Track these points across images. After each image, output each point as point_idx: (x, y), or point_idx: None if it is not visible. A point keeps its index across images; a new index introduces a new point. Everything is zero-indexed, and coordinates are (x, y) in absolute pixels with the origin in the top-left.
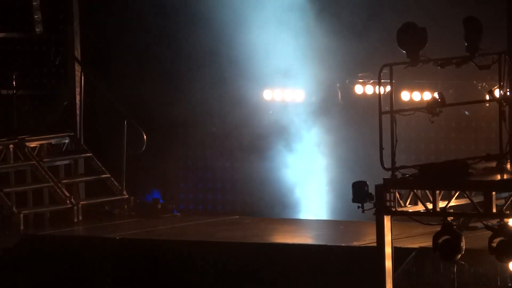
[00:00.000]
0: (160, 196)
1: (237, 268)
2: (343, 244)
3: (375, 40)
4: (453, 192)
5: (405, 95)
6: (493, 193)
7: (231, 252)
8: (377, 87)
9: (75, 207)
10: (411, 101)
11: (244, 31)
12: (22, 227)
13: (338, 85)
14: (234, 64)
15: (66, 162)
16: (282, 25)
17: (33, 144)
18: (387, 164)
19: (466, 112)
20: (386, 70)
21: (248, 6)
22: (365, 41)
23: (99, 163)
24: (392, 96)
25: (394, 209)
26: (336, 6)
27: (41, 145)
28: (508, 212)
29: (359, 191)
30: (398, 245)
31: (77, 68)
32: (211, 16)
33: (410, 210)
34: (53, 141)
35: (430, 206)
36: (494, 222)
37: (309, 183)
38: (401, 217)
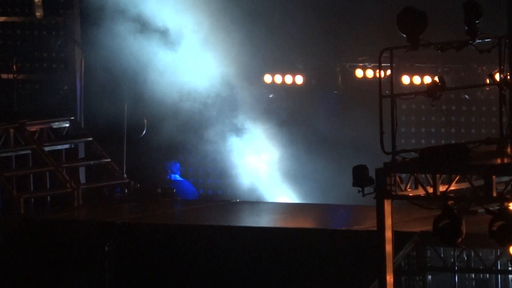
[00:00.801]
0: (179, 166)
1: (238, 252)
2: (343, 228)
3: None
4: (453, 176)
5: (405, 79)
6: (494, 177)
7: (231, 236)
8: (378, 71)
9: (76, 191)
10: (411, 85)
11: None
12: (22, 211)
13: (338, 69)
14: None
15: (67, 146)
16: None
17: (33, 128)
18: (388, 148)
19: (466, 96)
20: (386, 54)
21: None
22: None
23: (99, 147)
24: (392, 80)
25: (394, 193)
26: None
27: (42, 129)
28: (508, 196)
29: (359, 175)
30: (398, 229)
31: (78, 52)
32: None
33: (410, 194)
34: (53, 125)
35: (430, 190)
36: (494, 206)
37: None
38: (401, 201)
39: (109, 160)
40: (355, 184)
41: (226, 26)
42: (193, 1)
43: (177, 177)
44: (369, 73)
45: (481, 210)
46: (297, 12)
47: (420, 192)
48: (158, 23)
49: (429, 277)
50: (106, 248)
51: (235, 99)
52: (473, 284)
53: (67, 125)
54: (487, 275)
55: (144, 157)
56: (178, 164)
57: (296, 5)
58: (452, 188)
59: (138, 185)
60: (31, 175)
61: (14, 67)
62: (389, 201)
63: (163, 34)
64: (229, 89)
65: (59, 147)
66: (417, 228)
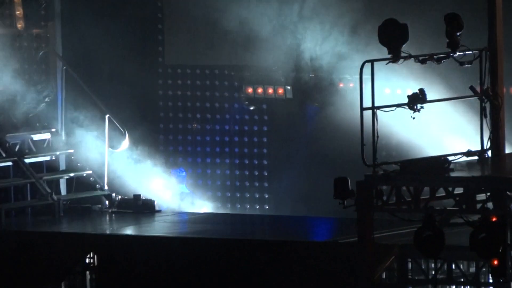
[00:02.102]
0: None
1: (222, 265)
2: (324, 240)
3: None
4: (434, 188)
5: (387, 91)
6: (475, 189)
7: (211, 249)
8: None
9: (57, 203)
10: (392, 97)
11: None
12: (3, 223)
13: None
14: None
15: (48, 158)
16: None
17: (14, 140)
18: (369, 160)
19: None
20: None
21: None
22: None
23: (80, 159)
24: (373, 92)
25: (375, 206)
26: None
27: (23, 141)
28: (489, 208)
29: (340, 188)
30: (379, 242)
31: (59, 64)
32: None
33: (391, 207)
34: (34, 137)
35: (411, 202)
36: (476, 218)
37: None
38: (382, 214)
39: (90, 172)
40: (336, 196)
41: None
42: None
43: (184, 188)
44: (350, 85)
45: (462, 222)
46: (279, 21)
47: (401, 204)
48: None
49: None
50: (87, 260)
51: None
52: None
53: (48, 137)
54: (468, 287)
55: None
56: (184, 172)
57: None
58: (433, 200)
59: (119, 197)
60: (12, 187)
61: None
62: (370, 213)
63: None
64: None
65: (40, 159)
66: (398, 240)
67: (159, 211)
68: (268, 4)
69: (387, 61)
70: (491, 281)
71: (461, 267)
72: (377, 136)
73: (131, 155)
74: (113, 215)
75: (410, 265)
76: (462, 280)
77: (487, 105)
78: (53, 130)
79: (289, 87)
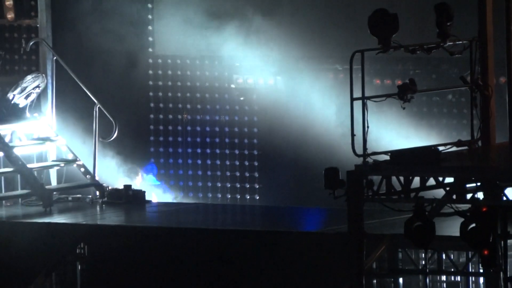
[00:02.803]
0: (156, 168)
1: (212, 255)
2: (314, 230)
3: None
4: (425, 178)
5: (377, 81)
6: (465, 178)
7: (202, 239)
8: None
9: (47, 194)
10: (382, 87)
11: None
12: None
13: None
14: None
15: (38, 148)
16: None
17: (4, 131)
18: (359, 150)
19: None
20: (357, 56)
21: None
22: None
23: (71, 150)
24: (363, 82)
25: (365, 196)
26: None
27: (13, 131)
28: (479, 198)
29: (330, 178)
30: (369, 232)
31: (49, 54)
32: None
33: (381, 197)
34: (24, 128)
35: (401, 192)
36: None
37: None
38: (372, 204)
39: (81, 162)
40: (326, 186)
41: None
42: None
43: (153, 181)
44: (340, 76)
45: (452, 212)
46: (268, 12)
47: (392, 194)
48: None
49: (401, 279)
50: (78, 251)
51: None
52: (444, 286)
53: (39, 127)
54: (458, 277)
55: (116, 159)
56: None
57: (268, 6)
58: (423, 190)
59: (110, 187)
60: (2, 177)
61: None
62: (360, 203)
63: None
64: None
65: (30, 149)
66: (388, 230)
67: (149, 201)
68: None
69: (377, 51)
70: (481, 271)
71: (451, 257)
72: (367, 126)
73: (121, 144)
74: (104, 205)
75: (400, 255)
76: (452, 270)
77: (478, 95)
78: (44, 120)
79: (279, 77)
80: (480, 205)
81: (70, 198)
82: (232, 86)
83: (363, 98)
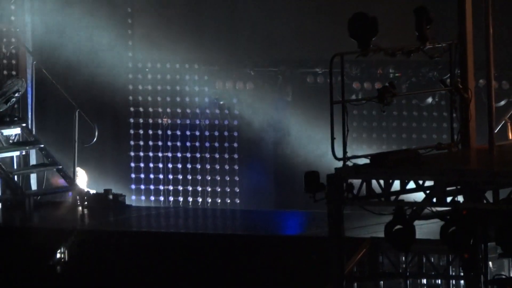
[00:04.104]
0: None
1: (192, 259)
2: (295, 234)
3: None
4: (405, 181)
5: (356, 85)
6: (445, 181)
7: (183, 243)
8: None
9: (27, 198)
10: (362, 91)
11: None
12: None
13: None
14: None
15: (18, 153)
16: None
17: None
18: (339, 154)
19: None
20: (337, 60)
21: None
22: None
23: (51, 154)
24: (343, 86)
25: (346, 199)
26: None
27: None
28: (460, 201)
29: (311, 181)
30: (350, 235)
31: (28, 59)
32: None
33: (362, 200)
34: (4, 132)
35: (382, 195)
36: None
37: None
38: (352, 207)
39: (60, 166)
40: (306, 190)
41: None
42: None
43: None
44: (320, 79)
45: (433, 215)
46: (246, 15)
47: (372, 197)
48: None
49: (381, 283)
50: (58, 255)
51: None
52: None
53: (19, 132)
54: (439, 280)
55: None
56: None
57: (244, 9)
58: (403, 193)
59: (89, 191)
60: None
61: None
62: (340, 207)
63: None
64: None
65: (10, 154)
66: (368, 234)
67: (129, 205)
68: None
69: (357, 55)
70: (462, 274)
71: (432, 260)
72: (347, 130)
73: (101, 148)
74: (84, 210)
75: (381, 259)
76: (433, 273)
77: (457, 98)
78: (23, 125)
79: (259, 81)
80: (460, 208)
81: (50, 203)
82: (213, 89)
83: (343, 102)
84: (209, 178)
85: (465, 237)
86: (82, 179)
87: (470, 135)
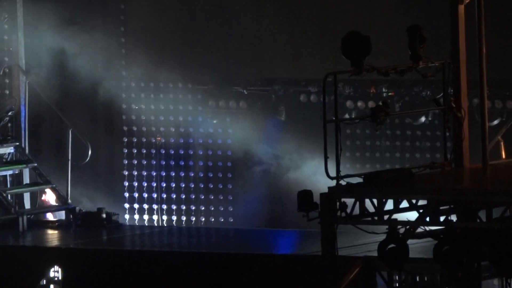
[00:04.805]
0: None
1: (186, 278)
2: (288, 253)
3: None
4: (398, 200)
5: (350, 104)
6: (439, 200)
7: (177, 262)
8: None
9: (20, 217)
10: (356, 109)
11: None
12: None
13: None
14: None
15: (11, 172)
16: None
17: None
18: (332, 172)
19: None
20: (330, 79)
21: None
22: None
23: (44, 173)
24: (336, 105)
25: (339, 218)
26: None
27: None
28: (453, 220)
29: (304, 200)
30: (343, 254)
31: (22, 77)
32: None
33: (355, 219)
34: None
35: (375, 215)
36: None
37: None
38: (346, 226)
39: (53, 185)
40: (300, 209)
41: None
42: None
43: None
44: (313, 98)
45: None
46: (239, 35)
47: (365, 216)
48: None
49: None
50: (52, 274)
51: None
52: None
53: (12, 150)
54: None
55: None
56: None
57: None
58: (397, 212)
59: (83, 210)
60: None
61: None
62: (334, 226)
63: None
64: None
65: (3, 173)
66: (362, 253)
67: (122, 224)
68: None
69: (350, 74)
70: None
71: (425, 279)
72: (341, 149)
73: (94, 167)
74: (77, 228)
75: (374, 277)
76: None
77: (451, 117)
78: (17, 143)
79: (252, 100)
80: (453, 227)
81: (43, 221)
82: (206, 108)
83: (336, 121)
84: (203, 197)
85: (459, 256)
86: (50, 198)
87: (463, 154)
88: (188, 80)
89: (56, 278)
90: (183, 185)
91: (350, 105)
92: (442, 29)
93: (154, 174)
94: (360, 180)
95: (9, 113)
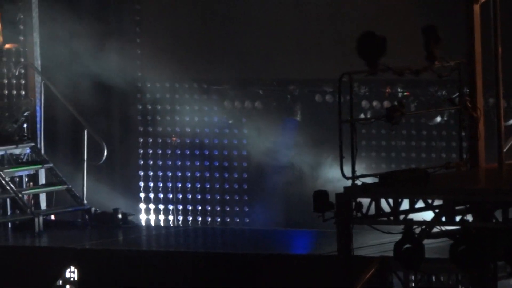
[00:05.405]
0: None
1: (202, 279)
2: (304, 253)
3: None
4: (414, 200)
5: (365, 104)
6: (454, 200)
7: (193, 262)
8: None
9: (36, 218)
10: (371, 109)
11: None
12: None
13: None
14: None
15: (27, 172)
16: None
17: None
18: (348, 172)
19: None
20: (345, 79)
21: None
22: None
23: (59, 174)
24: (351, 105)
25: (355, 218)
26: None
27: (2, 155)
28: (469, 220)
29: (320, 201)
30: (359, 254)
31: (37, 78)
32: None
33: (370, 219)
34: (14, 152)
35: (391, 214)
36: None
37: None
38: (361, 226)
39: (69, 186)
40: (315, 209)
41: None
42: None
43: None
44: (329, 98)
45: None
46: (254, 35)
47: (381, 216)
48: None
49: None
50: (68, 274)
51: None
52: None
53: (28, 151)
54: None
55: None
56: None
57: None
58: (412, 212)
59: (98, 210)
60: None
61: None
62: (350, 226)
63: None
64: None
65: (19, 173)
66: (378, 253)
67: (137, 224)
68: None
69: (366, 74)
70: None
71: (441, 279)
72: (356, 149)
73: (110, 168)
74: (93, 229)
75: (390, 278)
76: None
77: (466, 117)
78: (33, 144)
79: (268, 100)
80: (469, 227)
81: (59, 222)
82: (221, 109)
83: (351, 121)
84: (218, 197)
85: (475, 256)
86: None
87: (479, 154)
88: (203, 81)
89: (72, 279)
90: (199, 186)
91: (365, 105)
92: (457, 29)
93: (170, 174)
94: (375, 180)
95: (25, 114)
